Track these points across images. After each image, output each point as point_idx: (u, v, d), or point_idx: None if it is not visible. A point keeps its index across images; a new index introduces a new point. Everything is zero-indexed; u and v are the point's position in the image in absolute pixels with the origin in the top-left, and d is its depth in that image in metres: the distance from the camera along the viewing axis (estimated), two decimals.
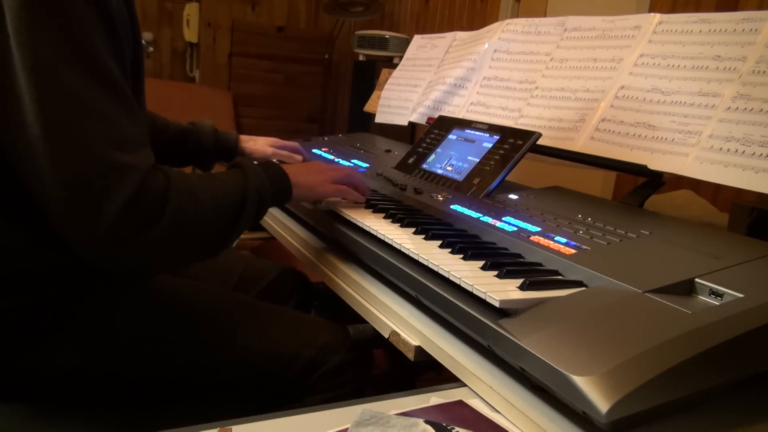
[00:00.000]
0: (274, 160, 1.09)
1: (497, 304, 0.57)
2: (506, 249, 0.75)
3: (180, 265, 0.90)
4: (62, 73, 0.60)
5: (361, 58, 3.31)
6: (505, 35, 1.31)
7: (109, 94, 0.63)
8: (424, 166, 1.11)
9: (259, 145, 1.24)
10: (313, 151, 1.42)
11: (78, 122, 0.60)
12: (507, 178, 0.96)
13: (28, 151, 0.60)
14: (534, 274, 0.65)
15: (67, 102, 0.60)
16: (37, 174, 0.60)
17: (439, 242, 0.75)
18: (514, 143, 0.98)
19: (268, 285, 1.14)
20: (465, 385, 0.62)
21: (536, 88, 1.18)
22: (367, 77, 3.00)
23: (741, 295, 0.56)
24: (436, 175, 1.06)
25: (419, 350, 0.69)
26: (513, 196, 0.93)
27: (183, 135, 1.15)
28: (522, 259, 0.72)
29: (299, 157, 1.27)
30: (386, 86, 1.68)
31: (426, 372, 1.04)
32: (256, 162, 0.85)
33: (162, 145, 1.11)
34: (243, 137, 1.24)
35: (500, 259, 0.69)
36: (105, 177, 0.61)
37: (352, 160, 1.30)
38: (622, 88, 1.00)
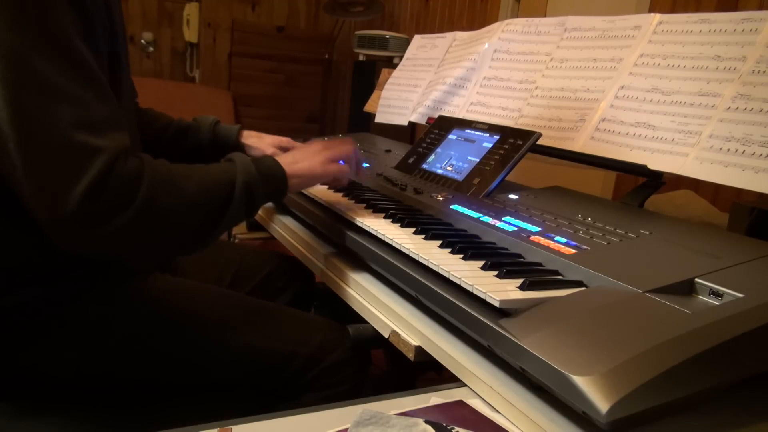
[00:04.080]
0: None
1: (497, 304, 0.57)
2: (506, 249, 0.75)
3: (159, 257, 0.87)
4: (30, 56, 0.60)
5: (361, 58, 3.31)
6: (505, 35, 1.31)
7: (77, 77, 0.63)
8: (424, 166, 1.11)
9: (263, 144, 1.15)
10: None
11: (44, 105, 0.60)
12: (507, 178, 0.96)
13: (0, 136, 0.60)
14: (534, 274, 0.65)
15: (34, 85, 0.60)
16: (7, 159, 0.60)
17: (439, 242, 0.75)
18: (514, 143, 0.98)
19: (264, 277, 1.13)
20: (465, 385, 0.62)
21: (536, 88, 1.18)
22: (367, 77, 3.00)
23: (741, 295, 0.56)
24: (436, 175, 1.06)
25: (419, 350, 0.69)
26: (513, 196, 0.93)
27: (183, 131, 1.12)
28: (522, 259, 0.72)
29: None
30: (386, 86, 1.68)
31: (426, 372, 1.04)
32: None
33: (163, 142, 1.10)
34: (247, 132, 1.16)
35: (500, 259, 0.69)
36: (70, 159, 0.61)
37: None
38: (622, 88, 1.00)
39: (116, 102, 0.69)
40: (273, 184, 0.80)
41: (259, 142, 1.14)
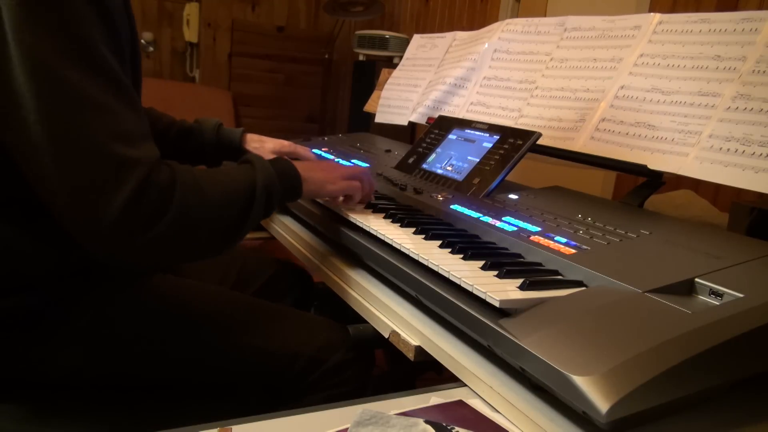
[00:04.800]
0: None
1: (497, 304, 0.57)
2: (506, 249, 0.75)
3: (188, 261, 0.88)
4: (62, 69, 0.60)
5: (361, 58, 3.31)
6: (505, 35, 1.31)
7: (109, 89, 0.63)
8: (424, 166, 1.11)
9: (263, 151, 1.16)
10: (314, 151, 1.42)
11: (80, 118, 0.60)
12: (507, 178, 0.96)
13: (31, 149, 0.60)
14: (534, 274, 0.65)
15: (68, 98, 0.60)
16: (40, 171, 0.60)
17: (439, 242, 0.75)
18: (514, 143, 0.98)
19: (266, 281, 1.13)
20: (465, 385, 0.62)
21: (536, 88, 1.18)
22: (367, 77, 2.99)
23: (741, 295, 0.56)
24: (436, 175, 1.06)
25: (419, 350, 0.69)
26: (513, 196, 0.93)
27: (186, 133, 1.13)
28: (522, 259, 0.72)
29: None
30: (386, 86, 1.68)
31: (426, 372, 1.04)
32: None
33: (165, 143, 1.10)
34: (250, 137, 1.18)
35: (500, 259, 0.69)
36: (109, 171, 0.61)
37: (352, 160, 1.30)
38: (622, 87, 1.00)
39: (143, 111, 0.69)
40: (289, 185, 0.81)
41: (261, 149, 1.16)
